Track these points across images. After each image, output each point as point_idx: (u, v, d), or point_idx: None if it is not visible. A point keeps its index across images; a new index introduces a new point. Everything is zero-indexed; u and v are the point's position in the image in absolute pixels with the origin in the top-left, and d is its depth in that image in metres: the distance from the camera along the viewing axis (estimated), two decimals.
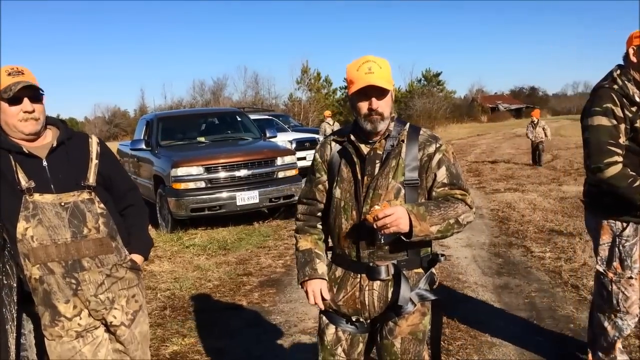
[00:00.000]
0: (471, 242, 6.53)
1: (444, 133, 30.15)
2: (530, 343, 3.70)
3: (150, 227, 7.82)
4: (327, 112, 17.80)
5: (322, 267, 2.18)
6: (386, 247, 2.05)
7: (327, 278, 2.18)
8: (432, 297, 2.11)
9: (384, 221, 1.86)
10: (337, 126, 16.49)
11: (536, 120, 13.48)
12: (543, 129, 13.36)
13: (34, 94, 2.17)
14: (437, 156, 2.06)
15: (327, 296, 2.16)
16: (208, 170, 7.94)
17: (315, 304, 2.18)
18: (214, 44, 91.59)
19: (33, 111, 2.18)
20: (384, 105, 2.01)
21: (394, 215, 1.87)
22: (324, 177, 2.20)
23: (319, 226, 2.27)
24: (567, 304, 4.37)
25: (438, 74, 48.76)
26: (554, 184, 10.54)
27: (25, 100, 2.15)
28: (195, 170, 7.89)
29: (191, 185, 7.84)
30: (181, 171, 7.83)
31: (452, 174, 2.07)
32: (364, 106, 2.02)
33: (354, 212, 2.07)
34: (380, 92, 1.99)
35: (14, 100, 2.14)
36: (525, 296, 4.61)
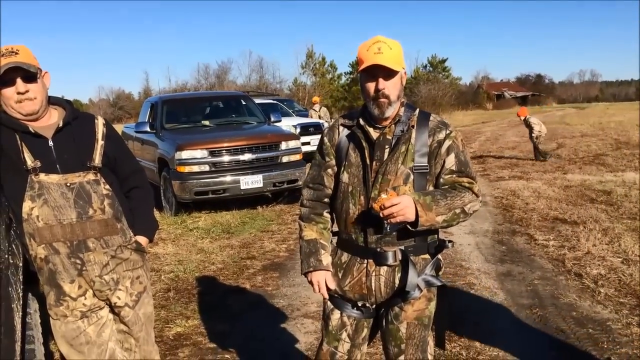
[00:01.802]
0: (475, 229, 6.53)
1: (448, 120, 30.02)
2: (533, 331, 3.72)
3: (154, 209, 7.86)
4: (315, 98, 17.76)
5: (327, 258, 2.17)
6: (394, 234, 2.04)
7: (331, 269, 2.17)
8: (439, 283, 2.11)
9: (390, 210, 1.85)
10: (324, 111, 16.47)
11: (522, 119, 12.69)
12: (528, 125, 12.54)
13: (26, 73, 2.13)
14: (447, 143, 2.04)
15: (332, 286, 2.16)
16: (212, 153, 7.93)
17: (320, 293, 2.18)
18: (219, 27, 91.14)
19: (27, 91, 2.15)
20: (391, 87, 1.99)
21: (401, 204, 1.86)
22: (333, 162, 2.18)
23: (326, 214, 2.23)
24: (569, 292, 4.37)
25: (444, 60, 48.49)
26: (559, 172, 10.51)
27: (18, 80, 2.13)
28: (199, 153, 7.88)
29: (195, 168, 7.84)
30: (185, 154, 7.83)
31: (461, 161, 2.06)
32: (371, 87, 2.00)
33: (362, 198, 2.06)
34: (388, 73, 1.97)
35: (6, 82, 2.12)
36: (527, 284, 4.62)
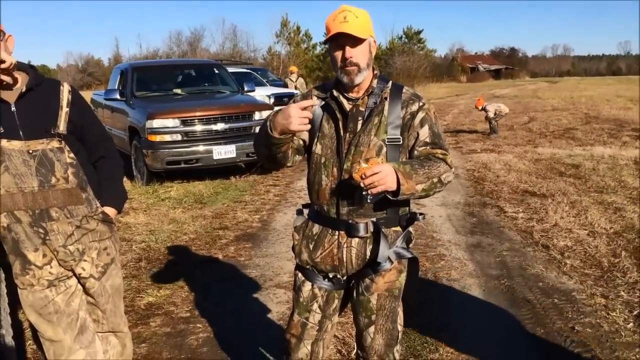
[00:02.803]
0: (446, 201, 6.60)
1: (423, 92, 30.05)
2: (500, 301, 3.80)
3: (125, 179, 7.74)
4: (293, 68, 17.56)
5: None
6: (366, 205, 2.04)
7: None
8: (409, 255, 2.13)
9: (372, 179, 1.82)
10: (300, 82, 16.32)
11: (480, 108, 12.62)
12: (485, 110, 12.44)
13: None
14: (420, 115, 2.04)
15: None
16: (184, 123, 7.81)
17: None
18: None
19: None
20: (359, 55, 1.97)
21: (382, 173, 1.83)
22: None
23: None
24: (537, 263, 4.48)
25: (419, 32, 48.30)
26: (530, 146, 10.66)
27: None
28: (171, 122, 7.76)
29: (167, 137, 7.72)
30: (157, 123, 7.69)
31: (434, 133, 2.06)
32: (338, 56, 1.98)
33: (335, 169, 2.05)
34: (354, 41, 1.95)
35: None
36: (496, 255, 4.71)
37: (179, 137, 7.77)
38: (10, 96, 2.15)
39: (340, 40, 1.95)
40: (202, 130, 7.91)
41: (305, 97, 2.18)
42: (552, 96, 24.74)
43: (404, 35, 48.05)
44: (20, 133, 2.14)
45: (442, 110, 19.58)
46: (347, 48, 1.95)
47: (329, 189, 2.07)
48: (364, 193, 1.87)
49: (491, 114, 12.21)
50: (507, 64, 70.55)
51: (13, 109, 2.14)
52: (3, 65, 2.04)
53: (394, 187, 1.88)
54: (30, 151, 2.14)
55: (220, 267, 4.67)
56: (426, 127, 2.04)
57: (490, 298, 3.85)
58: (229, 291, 4.12)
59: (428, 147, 2.04)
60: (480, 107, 12.49)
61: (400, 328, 2.21)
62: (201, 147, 7.82)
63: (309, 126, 1.90)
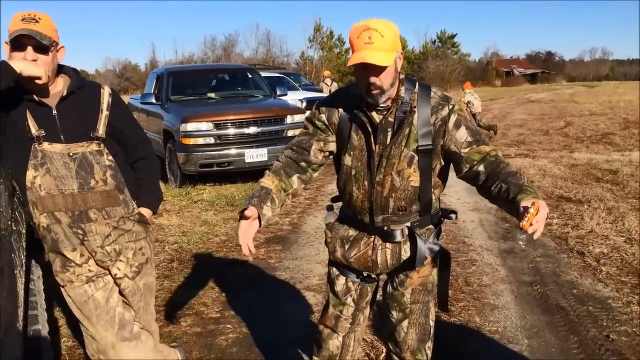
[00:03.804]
0: (478, 206, 6.52)
1: (456, 97, 29.69)
2: (533, 307, 3.73)
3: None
4: (326, 72, 17.56)
5: (269, 211, 1.96)
6: (400, 213, 2.05)
7: (263, 222, 1.95)
8: (443, 251, 2.15)
9: (540, 225, 1.67)
10: (335, 86, 16.32)
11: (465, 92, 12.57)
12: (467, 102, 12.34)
13: (39, 43, 2.09)
14: (453, 118, 1.99)
15: (250, 245, 1.91)
16: (217, 126, 7.91)
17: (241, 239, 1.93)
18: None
19: (34, 61, 2.09)
20: (384, 78, 1.89)
21: (543, 212, 1.69)
22: (330, 138, 2.10)
23: (295, 179, 2.09)
24: (571, 270, 4.38)
25: (453, 36, 47.88)
26: (566, 151, 10.44)
27: (29, 49, 2.08)
28: (204, 126, 7.87)
29: (200, 140, 7.83)
30: (191, 126, 7.81)
31: (472, 130, 2.01)
32: (362, 79, 1.91)
33: (366, 182, 2.04)
34: (379, 68, 1.87)
35: (19, 47, 2.09)
36: (529, 261, 4.63)
37: (212, 141, 7.87)
38: (52, 100, 2.22)
39: (365, 66, 1.86)
40: (234, 134, 8.00)
41: (330, 106, 2.12)
42: (590, 100, 24.15)
43: (437, 40, 47.69)
44: (61, 136, 2.20)
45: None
46: (372, 75, 1.87)
47: (360, 200, 2.07)
48: (524, 237, 1.71)
49: (473, 107, 12.22)
50: (544, 67, 69.15)
51: (54, 112, 2.21)
52: (39, 82, 2.11)
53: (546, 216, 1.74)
54: (71, 154, 2.20)
55: (250, 268, 4.71)
56: (462, 129, 2.00)
57: (522, 304, 3.79)
58: (259, 293, 4.15)
59: (474, 147, 1.99)
60: (467, 91, 12.70)
61: (432, 324, 2.23)
62: (233, 151, 7.91)
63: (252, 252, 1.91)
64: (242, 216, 1.90)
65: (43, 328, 2.34)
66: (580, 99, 26.25)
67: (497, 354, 3.15)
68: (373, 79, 1.88)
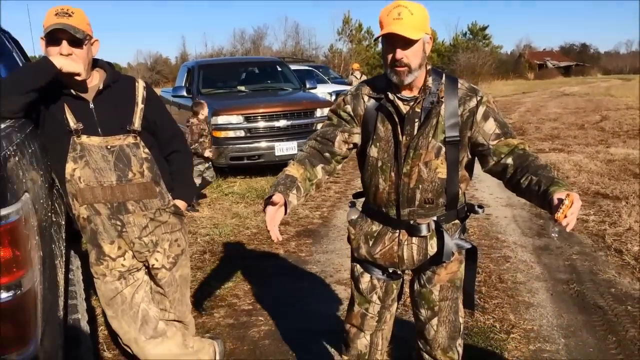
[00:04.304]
0: (512, 201, 6.41)
1: (487, 90, 29.30)
2: (570, 306, 3.66)
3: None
4: (355, 65, 17.44)
5: (294, 198, 1.93)
6: (427, 206, 2.02)
7: (289, 210, 1.90)
8: (469, 246, 2.12)
9: (573, 217, 1.63)
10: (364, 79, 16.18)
11: None
12: None
13: (73, 37, 2.11)
14: (481, 109, 1.96)
15: (277, 231, 1.86)
16: (248, 119, 7.95)
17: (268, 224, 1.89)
18: None
19: (69, 55, 2.13)
20: (411, 56, 1.85)
21: (577, 205, 1.65)
22: (355, 130, 2.07)
23: (319, 169, 2.04)
24: (609, 268, 4.27)
25: (484, 28, 47.03)
26: (602, 146, 10.18)
27: (64, 43, 2.11)
28: (235, 119, 7.92)
29: (231, 134, 7.88)
30: (221, 119, 7.87)
31: (501, 122, 1.98)
32: (389, 55, 1.88)
33: (392, 173, 2.00)
34: (407, 42, 1.83)
35: (54, 41, 2.12)
36: (565, 258, 4.53)
37: (242, 134, 7.92)
38: (89, 94, 2.25)
39: (392, 40, 1.84)
40: (264, 127, 8.03)
41: (355, 97, 2.08)
42: (626, 94, 23.50)
43: (468, 32, 46.96)
44: (99, 129, 2.23)
45: (508, 108, 19.01)
46: (398, 50, 1.85)
47: (387, 193, 2.04)
48: (557, 230, 1.69)
49: None
50: (578, 60, 67.59)
51: (91, 106, 2.23)
52: (79, 78, 2.14)
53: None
54: (109, 147, 2.23)
55: (281, 261, 4.72)
56: (491, 120, 1.96)
57: (558, 303, 3.71)
58: (290, 286, 4.16)
59: (502, 139, 1.95)
60: None
61: (462, 320, 2.20)
62: (264, 144, 7.94)
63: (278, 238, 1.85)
64: (269, 203, 1.86)
65: (82, 317, 2.38)
66: (616, 92, 25.58)
67: (533, 353, 3.09)
68: (400, 54, 1.84)
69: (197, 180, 6.55)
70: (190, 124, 6.64)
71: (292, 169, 2.00)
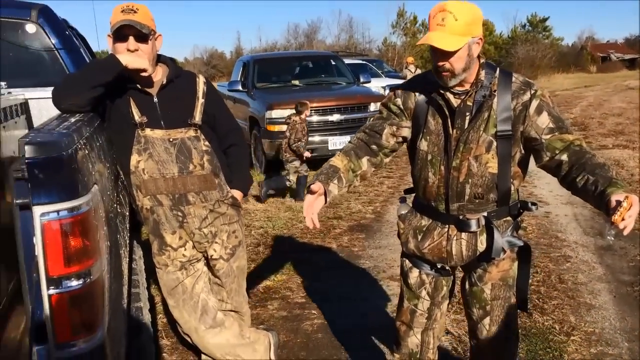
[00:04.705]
0: (573, 199, 6.17)
1: (547, 83, 28.34)
2: (634, 309, 3.50)
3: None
4: (410, 59, 17.19)
5: (335, 188, 1.99)
6: (477, 201, 1.98)
7: (329, 199, 1.98)
8: (521, 243, 2.06)
9: (632, 220, 1.59)
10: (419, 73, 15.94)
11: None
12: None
13: (139, 32, 2.19)
14: (534, 103, 1.91)
15: (315, 218, 1.93)
16: None
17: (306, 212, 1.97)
18: None
19: (136, 50, 2.20)
20: (454, 62, 1.82)
21: (636, 208, 1.60)
22: (405, 124, 2.06)
23: (364, 161, 2.08)
24: None
25: (545, 19, 45.53)
26: None
27: (130, 38, 2.19)
28: (289, 113, 7.96)
29: (285, 127, 7.93)
30: (276, 113, 7.94)
31: (555, 117, 1.91)
32: (433, 60, 1.87)
33: (442, 167, 1.98)
34: (446, 51, 1.81)
35: (121, 38, 2.20)
36: (630, 260, 4.34)
37: None
38: (153, 88, 2.32)
39: (433, 48, 1.82)
40: (318, 121, 8.05)
41: (406, 86, 2.10)
42: None
43: (527, 24, 45.56)
44: (162, 122, 2.30)
45: (569, 102, 18.34)
46: (440, 57, 1.83)
47: (436, 186, 2.02)
48: (614, 232, 1.66)
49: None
50: None
51: (155, 100, 2.31)
52: (144, 74, 2.22)
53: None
54: (171, 139, 2.30)
55: (334, 256, 4.74)
56: (545, 114, 1.90)
57: (622, 305, 3.56)
58: (342, 280, 4.17)
59: (556, 134, 1.89)
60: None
61: (515, 320, 2.14)
62: (317, 138, 7.96)
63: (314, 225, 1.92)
64: (309, 191, 1.94)
65: (144, 305, 2.47)
66: None
67: (594, 356, 2.98)
68: (441, 62, 1.84)
69: (293, 178, 6.66)
70: (292, 122, 6.66)
71: (337, 160, 2.06)
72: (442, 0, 1.84)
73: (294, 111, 7.93)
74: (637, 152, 8.82)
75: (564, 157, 1.87)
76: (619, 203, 1.59)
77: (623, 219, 1.56)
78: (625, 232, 1.58)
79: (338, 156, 2.08)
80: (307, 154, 6.64)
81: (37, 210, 1.31)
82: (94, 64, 2.43)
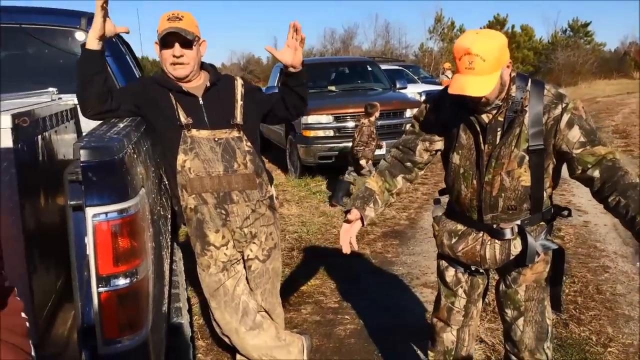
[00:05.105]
0: None
1: (588, 90, 27.72)
2: None
3: (279, 171, 8.16)
4: (447, 64, 17.03)
5: (371, 211, 2.11)
6: (510, 212, 2.00)
7: (366, 222, 2.13)
8: (555, 246, 2.08)
9: None
10: None
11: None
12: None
13: (184, 39, 2.29)
14: (565, 117, 1.89)
15: (354, 241, 2.12)
16: (337, 119, 8.04)
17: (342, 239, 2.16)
18: None
19: (181, 56, 2.32)
20: (489, 95, 1.83)
21: None
22: (437, 138, 2.11)
23: (399, 179, 2.18)
24: None
25: (586, 24, 44.48)
26: None
27: (176, 45, 2.31)
28: (325, 118, 8.03)
29: (320, 133, 8.01)
30: (311, 119, 8.01)
31: (587, 130, 1.89)
32: (468, 98, 1.86)
33: (474, 181, 2.01)
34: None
35: (167, 44, 2.31)
36: None
37: (331, 133, 8.02)
38: (198, 91, 2.42)
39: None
40: (353, 127, 8.07)
41: (437, 104, 2.10)
42: None
43: (568, 29, 44.62)
44: (207, 123, 2.39)
45: (611, 109, 17.90)
46: (473, 99, 1.84)
47: (469, 199, 2.05)
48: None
49: None
50: None
51: (201, 102, 2.41)
52: (186, 79, 2.37)
53: None
54: (216, 139, 2.39)
55: (367, 261, 4.76)
56: (576, 128, 1.88)
57: None
58: (376, 286, 4.19)
59: (587, 147, 1.87)
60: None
61: (549, 322, 2.16)
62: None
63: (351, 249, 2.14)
64: (346, 220, 2.12)
65: (183, 306, 2.55)
66: None
67: None
68: (476, 100, 1.86)
69: (349, 178, 6.61)
70: (361, 124, 6.56)
71: (372, 182, 2.18)
72: (467, 33, 1.82)
73: (329, 117, 8.01)
74: None
75: (596, 173, 1.85)
76: None
77: None
78: None
79: (374, 177, 2.19)
80: (362, 162, 6.45)
81: (90, 211, 1.39)
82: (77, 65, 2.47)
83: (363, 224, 2.11)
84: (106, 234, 1.40)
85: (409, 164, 2.17)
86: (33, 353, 1.13)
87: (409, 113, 8.29)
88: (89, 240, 1.39)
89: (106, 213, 1.40)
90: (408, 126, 2.23)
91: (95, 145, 1.46)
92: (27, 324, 1.15)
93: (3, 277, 1.14)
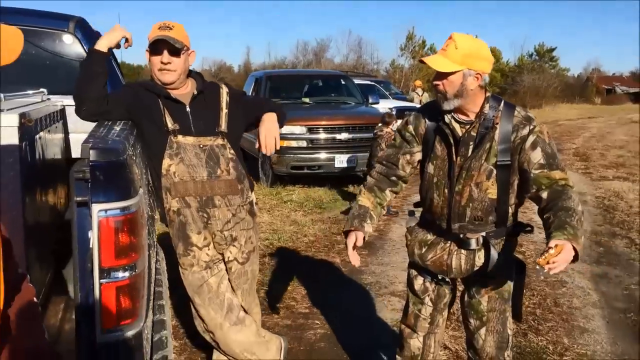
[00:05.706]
0: None
1: (551, 113, 28.61)
2: (626, 334, 3.65)
3: (251, 179, 8.19)
4: (418, 82, 17.45)
5: (369, 227, 2.27)
6: (476, 222, 2.16)
7: (366, 237, 2.28)
8: (517, 260, 2.25)
9: (556, 265, 1.74)
10: (425, 97, 16.20)
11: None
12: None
13: (173, 47, 2.41)
14: (531, 138, 2.06)
15: (356, 259, 2.30)
16: (310, 130, 8.19)
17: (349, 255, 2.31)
18: (321, 5, 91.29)
19: (169, 63, 2.43)
20: (446, 85, 2.04)
21: (565, 255, 1.74)
22: (416, 149, 2.28)
23: (388, 193, 2.34)
24: None
25: (552, 50, 46.00)
26: None
27: (165, 52, 2.42)
28: (298, 129, 8.17)
29: (293, 143, 8.13)
30: (285, 129, 8.09)
31: (548, 153, 2.05)
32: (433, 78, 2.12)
33: (446, 190, 2.17)
34: (440, 72, 2.05)
35: (156, 51, 2.43)
36: (624, 288, 4.49)
37: (304, 144, 8.16)
38: (186, 98, 2.52)
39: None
40: (326, 139, 8.25)
41: (417, 117, 2.29)
42: None
43: (534, 53, 46.03)
44: (193, 130, 2.49)
45: (572, 132, 18.56)
46: (435, 76, 2.08)
47: (440, 207, 2.21)
48: (544, 271, 1.78)
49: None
50: None
51: (188, 109, 2.51)
52: (173, 85, 2.47)
53: (571, 258, 1.80)
54: (201, 145, 2.49)
55: (337, 270, 4.89)
56: (538, 150, 2.05)
57: (614, 330, 3.71)
58: (345, 293, 4.32)
59: (545, 170, 2.02)
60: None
61: (510, 332, 2.31)
62: (324, 155, 8.16)
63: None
64: (347, 238, 2.26)
65: (166, 303, 2.61)
66: None
67: None
68: (435, 82, 2.08)
69: None
70: (384, 133, 6.69)
71: (364, 199, 2.32)
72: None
73: (303, 128, 8.15)
74: (637, 185, 8.99)
75: (545, 194, 2.00)
76: (549, 248, 1.74)
77: (548, 262, 1.71)
78: (551, 273, 1.74)
79: (364, 194, 2.33)
80: None
81: (95, 207, 1.48)
82: (82, 65, 2.56)
83: (364, 240, 2.26)
84: (109, 229, 1.49)
85: (394, 178, 2.32)
86: (46, 336, 1.22)
87: None
88: (94, 234, 1.48)
89: (110, 210, 1.50)
90: (389, 140, 2.40)
91: (104, 147, 1.56)
92: (40, 308, 1.24)
93: (16, 263, 1.23)
